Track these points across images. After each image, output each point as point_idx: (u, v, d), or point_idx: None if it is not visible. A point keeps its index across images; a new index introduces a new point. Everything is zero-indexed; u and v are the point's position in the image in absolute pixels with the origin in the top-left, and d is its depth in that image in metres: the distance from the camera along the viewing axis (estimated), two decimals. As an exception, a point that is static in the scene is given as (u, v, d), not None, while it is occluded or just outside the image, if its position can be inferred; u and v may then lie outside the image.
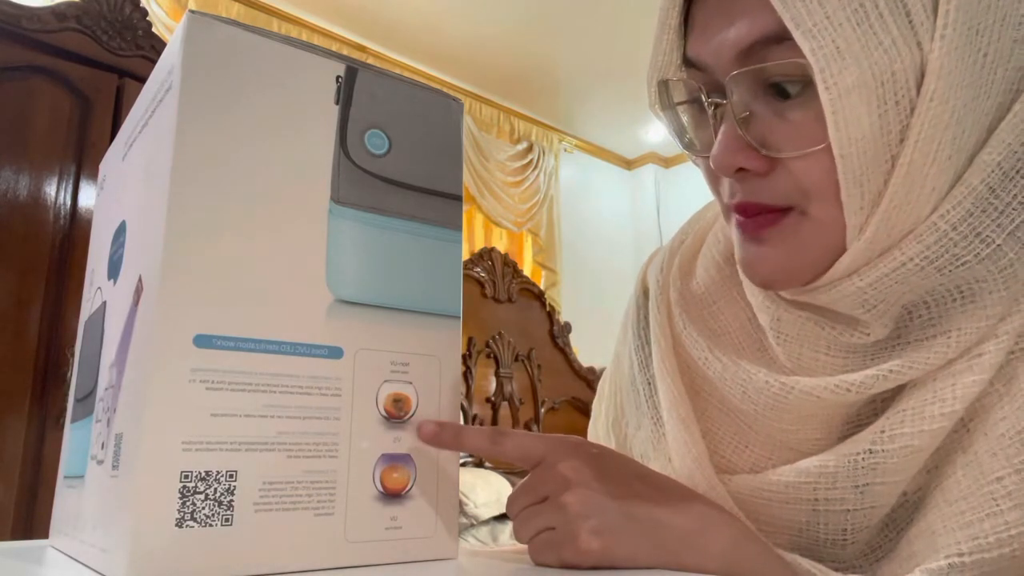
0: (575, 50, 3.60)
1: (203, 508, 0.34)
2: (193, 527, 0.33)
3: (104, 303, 0.44)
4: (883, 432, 0.41)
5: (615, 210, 4.68)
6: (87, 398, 0.44)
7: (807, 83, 0.38)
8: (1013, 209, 0.39)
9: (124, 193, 0.44)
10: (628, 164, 4.82)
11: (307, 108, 0.39)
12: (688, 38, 0.44)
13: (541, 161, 4.18)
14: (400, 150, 0.42)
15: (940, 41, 0.36)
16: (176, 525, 0.33)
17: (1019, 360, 0.40)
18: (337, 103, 0.40)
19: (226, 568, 0.34)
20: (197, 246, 0.35)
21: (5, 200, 1.60)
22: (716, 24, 0.41)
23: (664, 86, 0.46)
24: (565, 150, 4.42)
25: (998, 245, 0.39)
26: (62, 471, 0.47)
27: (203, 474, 0.34)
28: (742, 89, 0.40)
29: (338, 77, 0.41)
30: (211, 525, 0.34)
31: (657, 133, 4.46)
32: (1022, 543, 0.36)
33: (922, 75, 0.37)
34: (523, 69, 3.77)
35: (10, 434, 1.55)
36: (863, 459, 0.41)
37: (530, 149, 4.16)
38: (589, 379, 3.06)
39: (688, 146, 0.47)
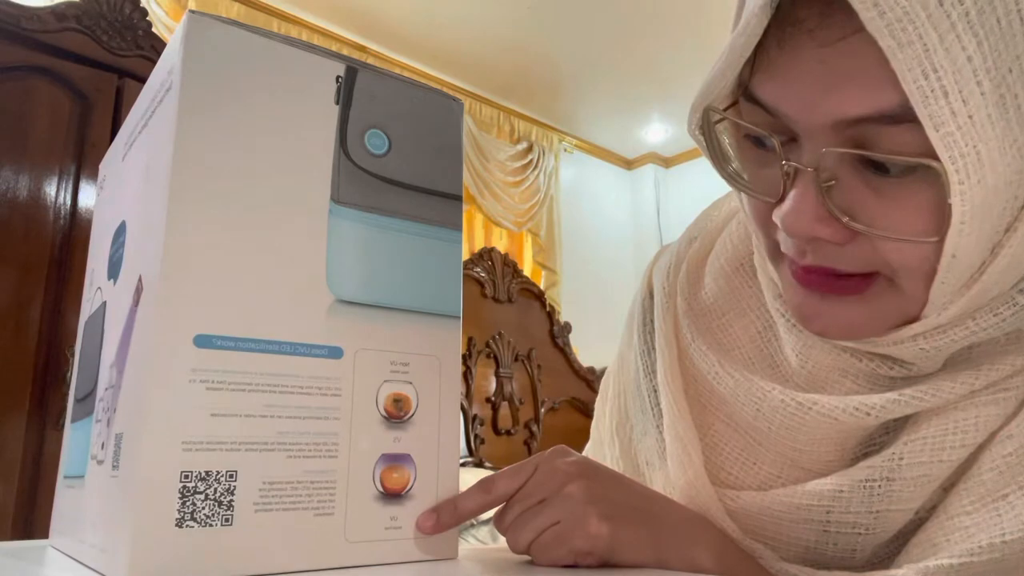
0: (575, 50, 3.60)
1: (203, 508, 0.34)
2: (193, 527, 0.33)
3: (104, 303, 0.44)
4: (901, 460, 0.40)
5: (615, 210, 4.67)
6: (87, 398, 0.44)
7: (914, 166, 0.34)
8: None
9: (124, 193, 0.44)
10: (628, 164, 4.82)
11: (307, 108, 0.39)
12: (760, 73, 0.37)
13: (541, 161, 4.17)
14: (400, 150, 0.42)
15: None
16: (176, 525, 0.33)
17: None
18: (337, 103, 0.40)
19: (226, 568, 0.34)
20: (197, 246, 0.35)
21: (5, 200, 1.60)
22: (813, 79, 0.35)
23: (711, 113, 0.41)
24: (565, 150, 4.41)
25: None
26: (62, 471, 0.47)
27: (203, 474, 0.34)
28: (831, 157, 0.36)
29: (338, 77, 0.41)
30: (211, 525, 0.34)
31: (657, 133, 4.45)
32: (1014, 549, 0.36)
33: None
34: (523, 69, 3.77)
35: (10, 434, 1.55)
36: (879, 486, 0.41)
37: (530, 149, 4.15)
38: (589, 379, 3.06)
39: (732, 177, 0.42)
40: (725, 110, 0.41)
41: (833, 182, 0.36)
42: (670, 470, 0.49)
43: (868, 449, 0.43)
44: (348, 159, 0.40)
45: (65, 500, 0.45)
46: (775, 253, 0.43)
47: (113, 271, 0.43)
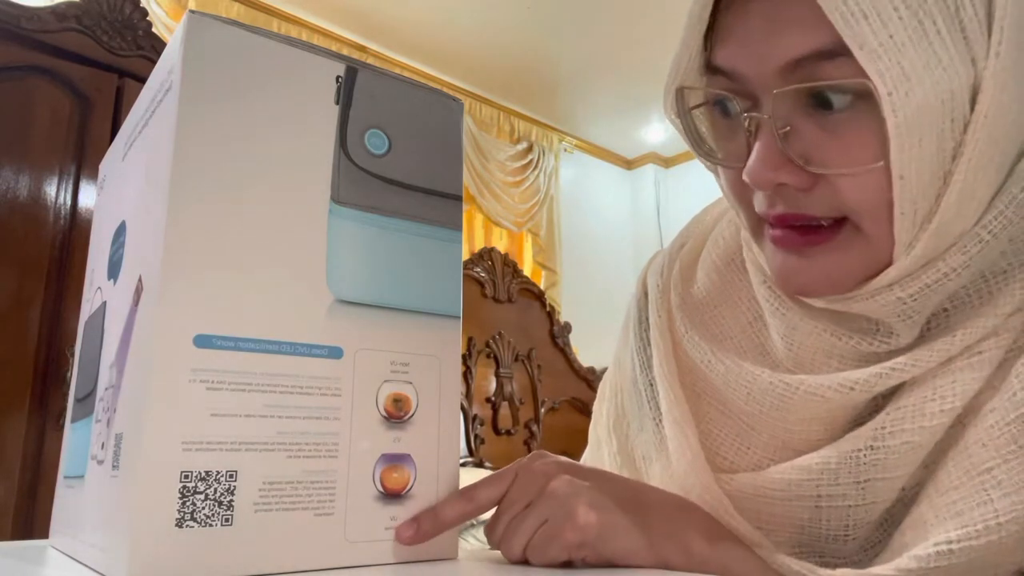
0: (575, 50, 3.60)
1: (203, 508, 0.34)
2: (193, 527, 0.33)
3: (104, 303, 0.44)
4: (884, 428, 0.41)
5: (615, 210, 4.67)
6: (87, 398, 0.44)
7: (857, 98, 0.38)
8: None
9: (124, 193, 0.44)
10: (628, 164, 4.82)
11: (307, 108, 0.39)
12: (717, 45, 0.42)
13: (541, 161, 4.17)
14: (400, 150, 0.42)
15: (995, 59, 0.36)
16: (176, 525, 0.33)
17: (1015, 356, 0.40)
18: (337, 103, 0.40)
19: (226, 568, 0.34)
20: (197, 246, 0.35)
21: (5, 200, 1.60)
22: (759, 34, 0.40)
23: (683, 92, 0.45)
24: (565, 150, 4.41)
25: None
26: (62, 471, 0.47)
27: (203, 474, 0.34)
28: (784, 103, 0.39)
29: (338, 77, 0.41)
30: (211, 525, 0.34)
31: (657, 133, 4.45)
32: (1009, 530, 0.37)
33: (974, 92, 0.37)
34: (523, 69, 3.77)
35: (10, 434, 1.55)
36: (864, 455, 0.42)
37: (530, 149, 4.15)
38: (589, 379, 3.05)
39: (707, 155, 0.46)
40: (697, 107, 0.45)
41: (788, 128, 0.40)
42: (671, 455, 0.50)
43: (856, 428, 0.44)
44: (348, 159, 0.40)
45: (65, 500, 0.45)
46: (756, 226, 0.45)
47: (113, 271, 0.43)
